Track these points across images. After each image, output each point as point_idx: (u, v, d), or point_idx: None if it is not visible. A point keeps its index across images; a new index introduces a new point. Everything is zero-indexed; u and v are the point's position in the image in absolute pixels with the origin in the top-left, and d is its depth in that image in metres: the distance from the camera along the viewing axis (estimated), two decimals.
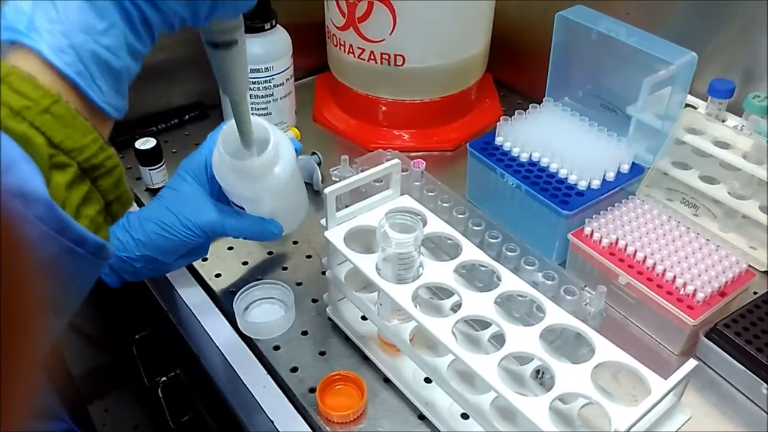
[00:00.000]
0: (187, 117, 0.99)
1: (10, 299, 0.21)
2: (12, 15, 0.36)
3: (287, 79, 0.89)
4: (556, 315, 0.54)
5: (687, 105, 0.80)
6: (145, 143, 0.83)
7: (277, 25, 0.87)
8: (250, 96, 0.88)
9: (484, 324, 0.61)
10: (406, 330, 0.59)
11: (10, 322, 0.21)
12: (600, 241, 0.69)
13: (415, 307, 0.55)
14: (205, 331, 0.69)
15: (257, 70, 0.86)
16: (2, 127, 0.33)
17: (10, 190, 0.30)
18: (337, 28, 0.91)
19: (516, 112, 0.82)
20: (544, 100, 0.85)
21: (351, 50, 0.91)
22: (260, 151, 0.59)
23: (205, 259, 0.76)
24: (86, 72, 0.37)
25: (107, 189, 0.38)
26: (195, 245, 0.65)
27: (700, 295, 0.63)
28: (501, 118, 0.81)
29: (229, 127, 0.59)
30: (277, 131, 0.61)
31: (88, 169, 0.36)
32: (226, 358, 0.66)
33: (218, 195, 0.65)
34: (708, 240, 0.69)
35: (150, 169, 0.84)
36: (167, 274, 0.75)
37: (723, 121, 0.81)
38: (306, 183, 0.71)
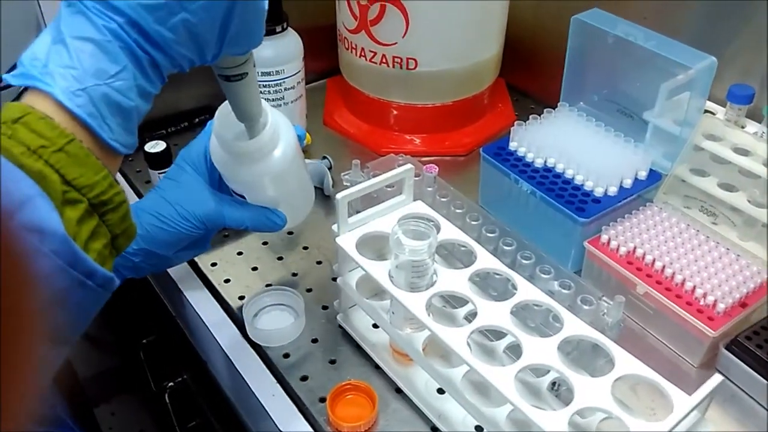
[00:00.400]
0: (196, 120, 0.99)
1: (19, 328, 0.22)
2: (28, 62, 0.39)
3: (298, 83, 0.88)
4: (574, 326, 0.53)
5: (705, 111, 0.79)
6: (155, 146, 0.82)
7: (289, 28, 0.86)
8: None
9: (498, 334, 0.60)
10: (419, 339, 0.58)
11: (18, 351, 0.22)
12: (617, 250, 0.67)
13: (429, 315, 0.54)
14: (213, 337, 0.68)
15: (268, 74, 0.85)
16: (20, 165, 0.34)
17: (26, 225, 0.32)
18: (349, 31, 0.90)
19: (530, 116, 0.80)
20: (559, 104, 0.83)
21: (363, 53, 0.90)
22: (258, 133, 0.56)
23: (214, 264, 0.75)
24: (97, 113, 0.39)
25: (114, 223, 0.39)
26: (195, 237, 0.61)
27: (720, 306, 0.61)
28: (515, 123, 0.79)
29: (224, 108, 0.56)
30: (276, 113, 0.57)
31: (98, 204, 0.38)
32: (234, 365, 0.65)
33: (219, 185, 0.62)
34: (728, 249, 0.67)
35: (160, 173, 0.83)
36: (176, 280, 0.74)
37: (742, 127, 0.79)
38: (316, 187, 0.70)
